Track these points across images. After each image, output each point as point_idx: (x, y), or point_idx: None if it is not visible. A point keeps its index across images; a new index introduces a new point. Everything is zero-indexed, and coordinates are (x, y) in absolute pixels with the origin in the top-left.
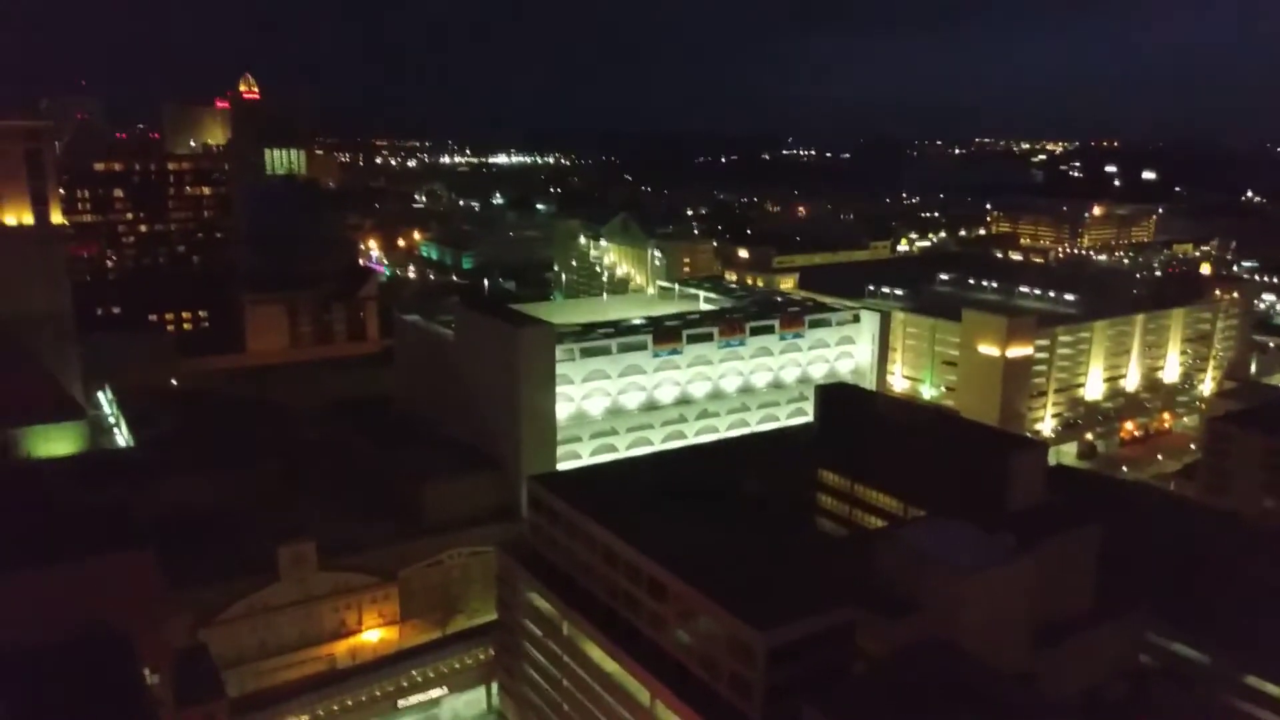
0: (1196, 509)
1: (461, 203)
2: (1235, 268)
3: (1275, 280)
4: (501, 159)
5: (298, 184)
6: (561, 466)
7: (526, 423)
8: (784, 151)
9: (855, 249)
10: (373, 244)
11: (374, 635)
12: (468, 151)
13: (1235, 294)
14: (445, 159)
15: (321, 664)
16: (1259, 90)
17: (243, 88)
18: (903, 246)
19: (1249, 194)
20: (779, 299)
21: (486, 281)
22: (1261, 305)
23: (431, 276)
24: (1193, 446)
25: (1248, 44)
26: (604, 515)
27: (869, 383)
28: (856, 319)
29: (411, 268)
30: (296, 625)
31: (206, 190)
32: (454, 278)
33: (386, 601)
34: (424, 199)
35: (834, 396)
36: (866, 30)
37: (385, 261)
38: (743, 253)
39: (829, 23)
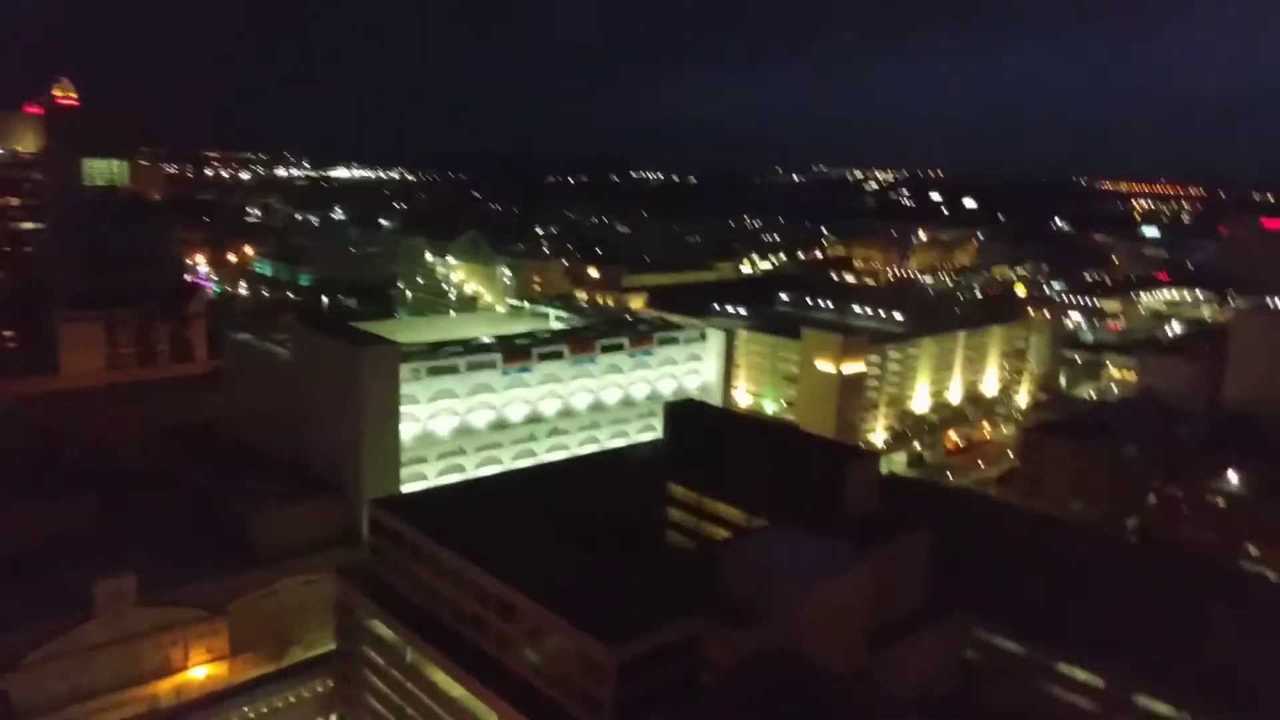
0: (1014, 512)
1: (299, 217)
2: (1046, 289)
3: (1080, 301)
4: (342, 173)
5: (119, 196)
6: (406, 489)
7: (369, 445)
8: (632, 174)
9: (702, 270)
10: (201, 259)
11: (201, 672)
12: (306, 164)
13: (1046, 313)
14: (282, 171)
15: (142, 705)
16: (1063, 126)
17: (58, 92)
18: (746, 268)
19: (1056, 222)
20: (629, 317)
21: (326, 299)
22: (1069, 324)
23: (266, 293)
24: (1010, 454)
25: (1058, 84)
26: (450, 537)
27: (715, 399)
28: (703, 337)
29: (244, 284)
30: (113, 666)
31: (15, 201)
32: (290, 295)
33: (215, 636)
34: (259, 213)
35: (682, 412)
36: (710, 61)
37: (215, 278)
38: (593, 272)
39: (676, 51)
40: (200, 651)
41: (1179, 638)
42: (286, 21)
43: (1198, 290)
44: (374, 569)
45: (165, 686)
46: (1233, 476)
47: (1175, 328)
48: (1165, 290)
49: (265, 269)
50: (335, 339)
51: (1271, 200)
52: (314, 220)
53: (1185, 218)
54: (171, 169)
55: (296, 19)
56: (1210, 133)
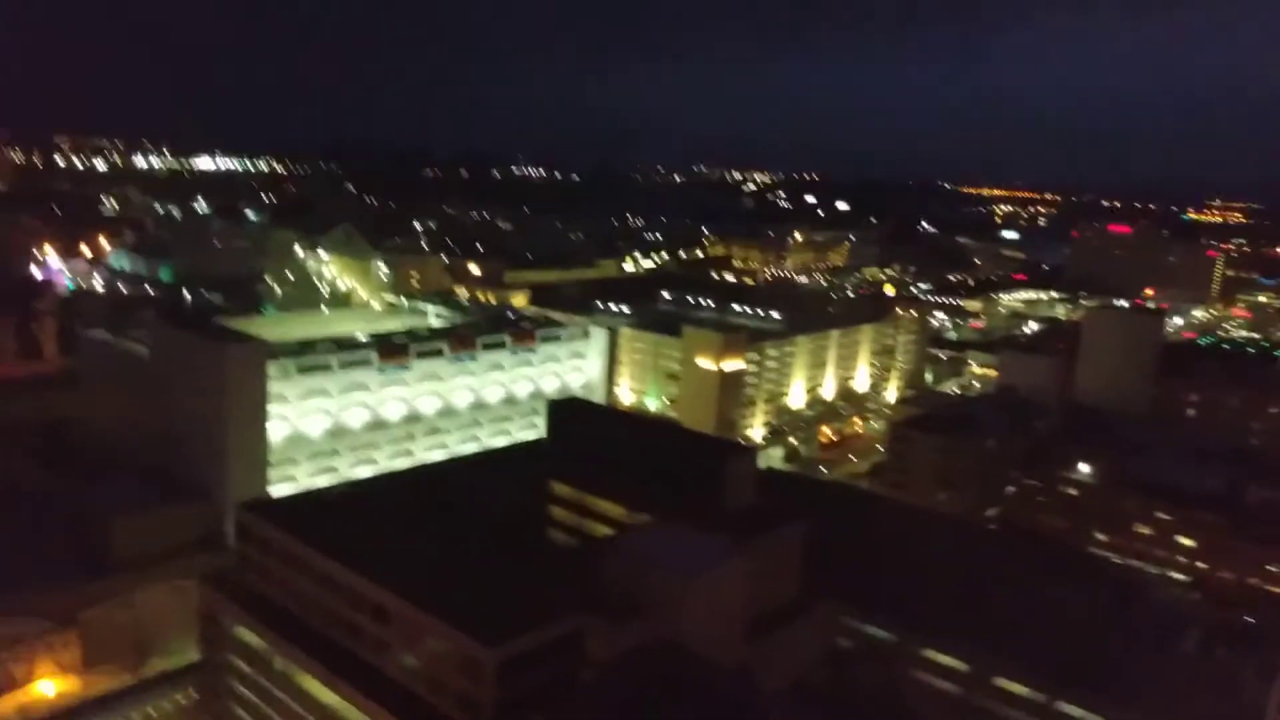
0: (883, 503)
1: (159, 208)
2: (913, 289)
3: (945, 300)
4: (206, 162)
5: None
6: (276, 492)
7: (234, 447)
8: (514, 169)
9: (585, 267)
10: (52, 252)
11: (50, 687)
12: (166, 153)
13: (913, 313)
14: (140, 160)
15: None
16: (927, 132)
17: None
18: (629, 266)
19: (923, 224)
20: (511, 315)
21: (188, 294)
22: (934, 322)
23: (123, 289)
24: (880, 448)
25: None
26: (322, 540)
27: (598, 396)
28: (586, 335)
29: (99, 279)
30: None
31: None
32: (150, 290)
33: (65, 648)
34: (115, 204)
35: (565, 410)
36: (591, 59)
37: (67, 273)
38: (474, 268)
39: (556, 49)
40: (48, 665)
41: (1037, 620)
42: None
43: (1052, 291)
44: (241, 575)
45: (8, 704)
46: (1083, 467)
47: (1032, 326)
48: (1023, 291)
49: (123, 263)
50: (198, 336)
51: (1119, 206)
52: (175, 212)
53: (1041, 222)
54: (19, 157)
55: None
56: (1065, 142)
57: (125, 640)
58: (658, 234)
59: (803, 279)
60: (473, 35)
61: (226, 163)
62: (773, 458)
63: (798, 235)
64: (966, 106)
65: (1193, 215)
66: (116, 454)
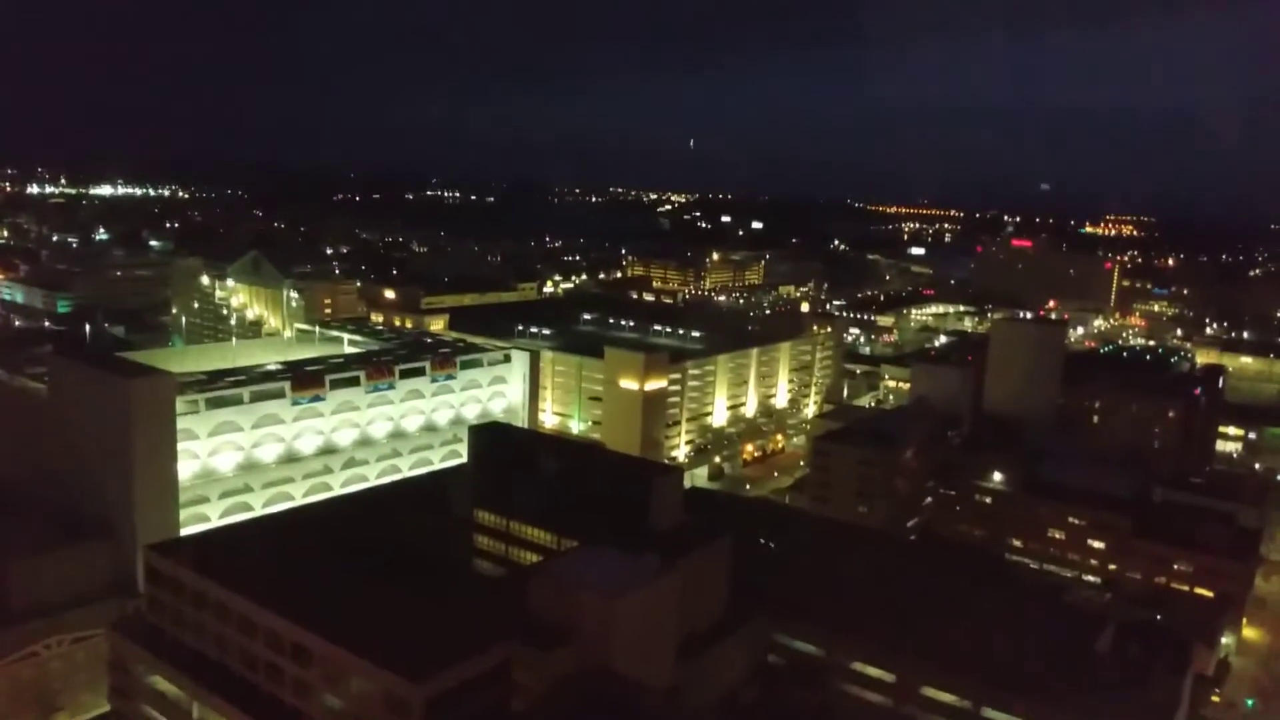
0: (807, 517)
1: (55, 238)
2: (827, 306)
3: (858, 316)
4: (105, 190)
5: None
6: (186, 531)
7: (142, 486)
8: (428, 192)
9: (503, 290)
10: None
11: None
12: (62, 181)
13: (828, 329)
14: (34, 188)
15: None
16: (837, 149)
17: None
18: (548, 288)
19: (835, 242)
20: (429, 340)
21: (89, 327)
22: (849, 338)
23: (17, 322)
24: (801, 463)
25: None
26: (237, 580)
27: (521, 421)
28: (507, 359)
29: None
30: None
31: None
32: (47, 324)
33: None
34: (5, 234)
35: (487, 436)
36: (505, 80)
37: None
38: (389, 293)
39: (474, 69)
40: None
41: (959, 628)
42: (34, 15)
43: (960, 304)
44: (152, 620)
45: None
46: (996, 475)
47: (942, 339)
48: (932, 305)
49: (16, 295)
50: (100, 371)
51: (1019, 221)
52: (73, 241)
53: (947, 238)
54: None
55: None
56: (967, 159)
57: (28, 695)
58: (576, 255)
59: (721, 298)
60: (381, 58)
61: (127, 190)
62: (698, 477)
63: (715, 255)
64: (870, 126)
65: (1089, 229)
66: (14, 496)
